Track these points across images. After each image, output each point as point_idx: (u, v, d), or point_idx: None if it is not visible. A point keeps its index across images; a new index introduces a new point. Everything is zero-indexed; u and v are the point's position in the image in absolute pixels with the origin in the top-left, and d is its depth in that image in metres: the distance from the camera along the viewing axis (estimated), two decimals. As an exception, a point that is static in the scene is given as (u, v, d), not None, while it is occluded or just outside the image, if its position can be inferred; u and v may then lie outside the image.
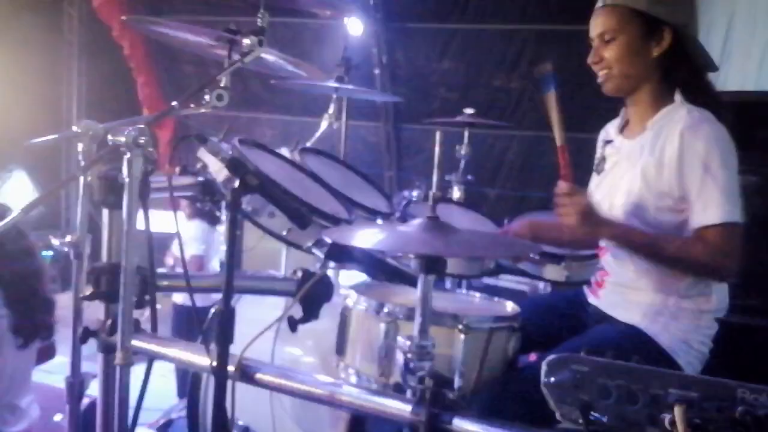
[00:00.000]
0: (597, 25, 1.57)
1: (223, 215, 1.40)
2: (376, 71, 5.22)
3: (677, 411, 0.82)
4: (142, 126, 1.04)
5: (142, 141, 1.05)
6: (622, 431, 0.88)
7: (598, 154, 1.74)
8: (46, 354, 2.39)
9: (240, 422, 2.00)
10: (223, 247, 3.56)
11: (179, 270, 3.81)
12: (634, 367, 0.89)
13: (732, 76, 3.28)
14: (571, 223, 1.44)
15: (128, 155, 1.06)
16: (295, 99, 5.25)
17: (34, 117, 5.05)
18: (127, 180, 1.09)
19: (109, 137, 1.07)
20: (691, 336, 1.53)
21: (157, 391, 3.79)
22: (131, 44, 5.85)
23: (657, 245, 1.48)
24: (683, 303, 1.53)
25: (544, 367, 0.92)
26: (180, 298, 3.80)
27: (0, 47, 5.20)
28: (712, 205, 1.43)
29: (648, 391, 0.87)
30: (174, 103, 1.25)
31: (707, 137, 1.45)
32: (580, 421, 0.90)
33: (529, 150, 5.08)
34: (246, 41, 1.32)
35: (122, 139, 1.05)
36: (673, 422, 0.83)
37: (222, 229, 4.10)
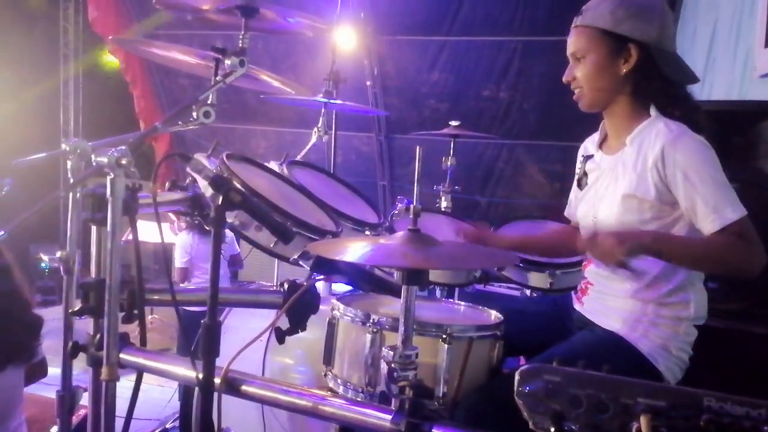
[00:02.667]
0: (570, 45, 1.63)
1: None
2: (368, 83, 5.28)
3: (642, 420, 0.84)
4: (123, 147, 1.07)
5: (124, 162, 1.08)
6: (594, 439, 0.90)
7: (578, 170, 1.77)
8: (38, 373, 2.33)
9: (232, 431, 2.02)
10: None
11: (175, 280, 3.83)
12: (604, 377, 0.91)
13: (717, 85, 3.32)
14: (620, 255, 1.37)
15: (111, 175, 1.09)
16: (290, 111, 5.30)
17: (31, 130, 5.08)
18: (110, 199, 1.11)
19: (93, 157, 1.10)
20: (670, 343, 1.55)
21: (155, 400, 3.82)
22: (127, 58, 5.90)
23: (693, 244, 1.49)
24: (662, 310, 1.56)
25: (516, 377, 0.94)
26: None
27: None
28: (719, 207, 1.44)
29: (618, 401, 0.89)
30: (157, 123, 1.28)
31: (689, 149, 1.47)
32: (552, 430, 0.92)
33: (519, 158, 5.13)
34: (228, 62, 1.35)
35: (105, 159, 1.08)
36: (640, 430, 0.85)
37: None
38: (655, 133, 1.52)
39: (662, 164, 1.49)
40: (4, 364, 2.08)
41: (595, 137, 1.76)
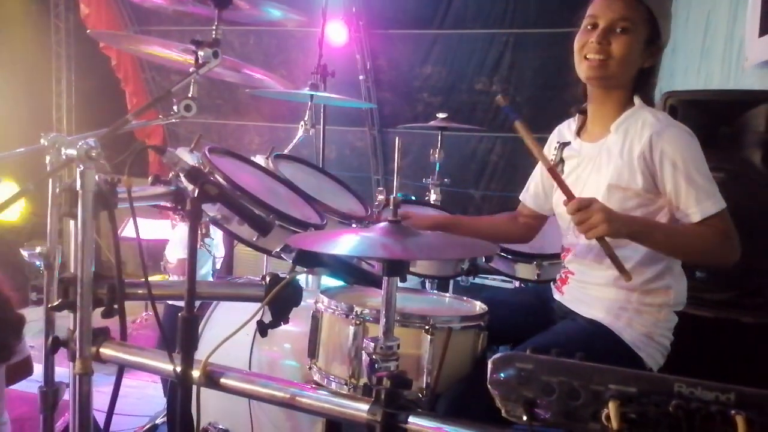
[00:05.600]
0: (614, 9, 1.49)
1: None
2: (361, 77, 5.27)
3: (611, 406, 0.84)
4: (93, 140, 1.06)
5: (93, 154, 1.08)
6: (566, 427, 0.90)
7: (553, 156, 1.73)
8: (22, 372, 2.31)
9: (220, 425, 2.02)
10: (218, 253, 3.57)
11: (172, 275, 3.83)
12: (576, 364, 0.91)
13: (712, 75, 3.31)
14: (602, 232, 1.35)
15: (81, 168, 1.08)
16: (282, 107, 5.30)
17: (24, 129, 5.07)
18: (80, 192, 1.11)
19: (62, 150, 1.09)
20: (653, 330, 1.55)
21: (149, 396, 3.82)
22: (118, 55, 5.89)
23: (676, 233, 1.49)
24: (646, 298, 1.56)
25: (490, 366, 0.94)
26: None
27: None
28: (701, 199, 1.45)
29: (589, 388, 0.89)
30: (128, 116, 1.27)
31: (676, 139, 1.48)
32: (525, 418, 0.92)
33: (512, 151, 5.13)
34: (201, 53, 1.34)
35: (74, 152, 1.07)
36: (608, 417, 0.85)
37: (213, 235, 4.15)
38: (642, 122, 1.52)
39: (649, 154, 1.49)
40: None
41: (571, 124, 1.74)
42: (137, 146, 1.06)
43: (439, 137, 2.86)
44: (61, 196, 1.22)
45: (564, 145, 1.72)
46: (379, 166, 5.75)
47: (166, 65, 5.77)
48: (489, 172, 5.28)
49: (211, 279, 3.76)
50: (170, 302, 3.85)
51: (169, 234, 4.29)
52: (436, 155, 2.79)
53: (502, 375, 0.94)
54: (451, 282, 2.61)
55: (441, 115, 2.80)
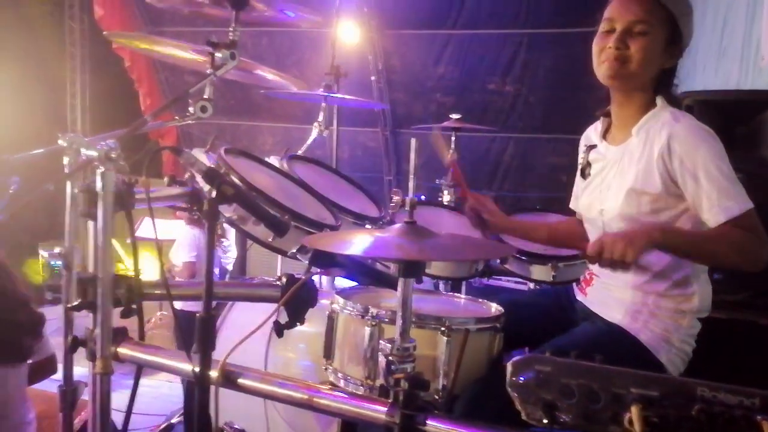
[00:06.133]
0: (631, 11, 1.48)
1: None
2: (372, 78, 5.28)
3: (634, 410, 0.84)
4: (113, 141, 1.07)
5: (113, 155, 1.08)
6: (586, 430, 0.90)
7: (581, 159, 1.74)
8: (46, 370, 2.33)
9: (236, 425, 2.03)
10: (231, 254, 3.59)
11: (178, 278, 3.84)
12: (595, 367, 0.90)
13: (729, 74, 3.27)
14: (634, 255, 1.33)
15: (101, 169, 1.09)
16: (295, 107, 5.31)
17: (38, 129, 5.12)
18: (100, 193, 1.12)
19: (82, 151, 1.10)
20: (672, 335, 1.53)
21: (164, 396, 3.84)
22: (132, 56, 5.94)
23: (701, 238, 1.46)
24: (662, 302, 1.54)
25: (509, 368, 0.94)
26: (179, 304, 3.85)
27: (4, 61, 5.28)
28: (724, 200, 1.41)
29: (610, 391, 0.88)
30: (146, 117, 1.28)
31: (696, 139, 1.45)
32: (545, 421, 0.91)
33: (525, 152, 5.11)
34: (218, 55, 1.34)
35: (94, 153, 1.08)
36: (631, 421, 0.84)
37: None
38: (661, 123, 1.50)
39: (668, 155, 1.46)
40: None
41: (598, 126, 1.73)
42: (154, 147, 1.06)
43: (453, 138, 2.85)
44: (80, 196, 1.23)
45: (591, 148, 1.71)
46: (392, 166, 5.75)
47: (180, 66, 5.83)
48: (502, 172, 5.26)
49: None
50: (178, 306, 3.86)
51: (174, 234, 4.26)
52: (450, 156, 2.78)
53: (521, 377, 0.93)
54: (464, 284, 2.60)
55: (454, 116, 2.79)
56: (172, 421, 2.80)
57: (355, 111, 4.65)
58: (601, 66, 1.53)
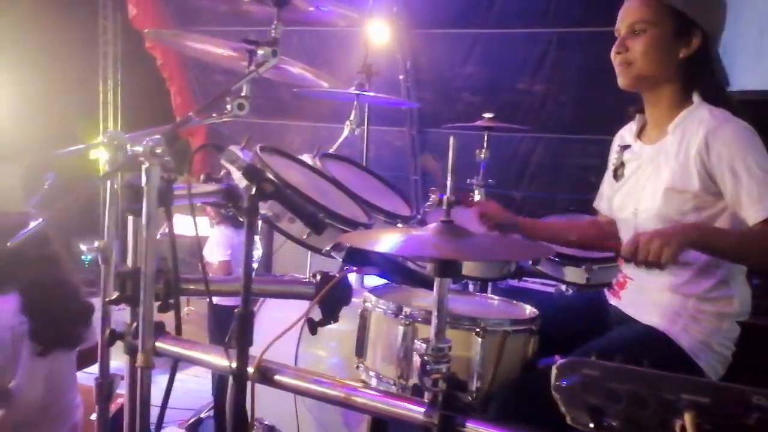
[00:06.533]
0: (629, 14, 1.52)
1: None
2: (401, 77, 5.26)
3: (687, 417, 0.81)
4: (157, 136, 1.08)
5: (158, 151, 1.10)
6: (633, 435, 0.88)
7: (614, 160, 1.72)
8: (94, 357, 2.40)
9: (266, 421, 2.04)
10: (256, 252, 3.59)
11: (212, 274, 3.87)
12: (644, 372, 0.88)
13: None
14: (670, 254, 1.31)
15: (146, 165, 1.11)
16: (323, 106, 5.32)
17: (71, 127, 5.22)
18: (145, 188, 1.13)
19: (128, 147, 1.11)
20: (712, 339, 1.50)
21: (192, 391, 3.89)
22: (163, 55, 6.02)
23: (740, 238, 1.43)
24: (703, 305, 1.51)
25: (554, 371, 0.92)
26: (215, 299, 3.88)
27: (37, 59, 5.40)
28: (764, 198, 1.37)
29: (659, 396, 0.86)
30: (191, 113, 1.29)
31: (734, 136, 1.42)
32: (591, 425, 0.89)
33: (555, 152, 5.05)
34: (260, 52, 1.35)
35: (140, 149, 1.09)
36: (683, 428, 0.82)
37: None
38: (699, 121, 1.47)
39: (706, 153, 1.43)
40: (49, 349, 2.19)
41: (632, 126, 1.70)
42: (199, 146, 1.06)
43: (486, 137, 2.82)
44: (122, 191, 1.24)
45: (624, 148, 1.68)
46: (418, 166, 5.73)
47: (210, 65, 5.88)
48: (530, 173, 5.20)
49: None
50: (215, 301, 3.90)
51: (209, 232, 4.30)
52: (482, 155, 2.76)
53: (566, 381, 0.91)
54: (490, 284, 2.57)
55: (487, 115, 2.77)
56: (201, 415, 2.83)
57: (382, 110, 4.64)
58: (617, 75, 1.56)
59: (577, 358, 0.91)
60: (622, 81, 1.55)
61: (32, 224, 1.06)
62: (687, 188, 1.47)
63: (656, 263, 1.32)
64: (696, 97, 1.52)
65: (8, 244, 0.98)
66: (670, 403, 0.85)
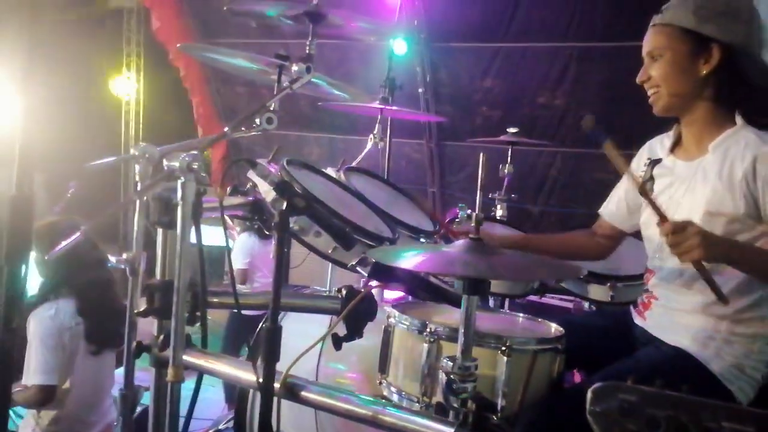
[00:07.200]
0: (647, 43, 1.57)
1: (272, 234, 1.45)
2: (420, 90, 5.28)
3: (730, 445, 0.79)
4: (195, 152, 1.09)
5: (195, 166, 1.11)
6: (672, 463, 0.85)
7: (642, 173, 1.68)
8: (121, 360, 2.52)
9: (285, 435, 2.03)
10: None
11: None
12: (684, 398, 0.86)
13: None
14: (697, 256, 1.32)
15: (182, 179, 1.12)
16: (342, 118, 5.36)
17: (94, 136, 5.31)
18: (180, 203, 1.14)
19: (165, 162, 1.13)
20: (744, 361, 1.47)
21: (207, 400, 3.90)
22: (186, 67, 6.11)
23: None
24: (737, 328, 1.48)
25: (589, 395, 0.90)
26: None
27: (62, 70, 5.48)
28: None
29: (700, 424, 0.84)
30: (226, 128, 1.30)
31: None
32: (628, 451, 0.87)
33: (573, 167, 5.02)
34: (294, 68, 1.36)
35: (176, 164, 1.11)
36: (725, 456, 0.80)
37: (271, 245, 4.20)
38: (745, 144, 1.45)
39: (752, 176, 1.42)
40: (101, 348, 2.32)
41: (664, 140, 1.68)
42: (234, 159, 1.07)
43: (509, 152, 2.82)
44: (153, 204, 1.25)
45: (655, 162, 1.66)
46: (435, 179, 5.73)
47: (233, 77, 5.94)
48: (548, 187, 5.17)
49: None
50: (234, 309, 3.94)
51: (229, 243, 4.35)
52: (506, 170, 2.75)
53: (602, 406, 0.90)
54: (507, 300, 2.55)
55: (512, 130, 2.76)
56: (220, 427, 2.83)
57: (401, 122, 4.66)
58: (651, 104, 1.59)
59: (613, 382, 0.90)
60: (655, 109, 1.58)
61: (78, 230, 1.08)
62: (727, 210, 1.45)
63: (687, 255, 1.33)
64: (739, 119, 1.50)
65: (49, 253, 1.00)
66: (711, 431, 0.83)
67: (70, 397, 2.33)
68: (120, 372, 2.51)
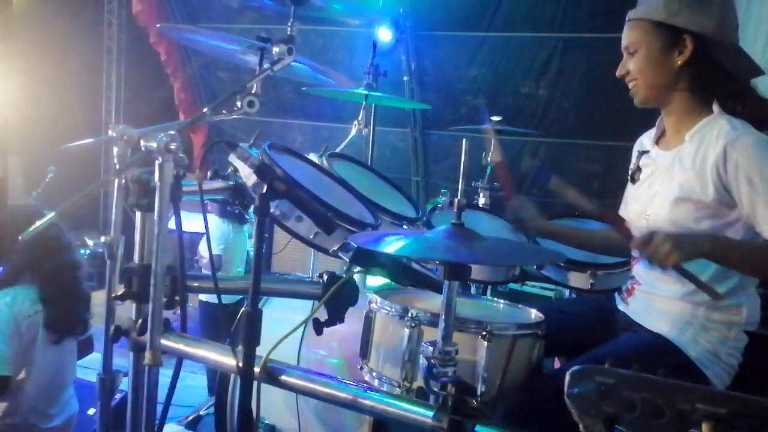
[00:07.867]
0: (623, 39, 1.61)
1: (252, 219, 1.43)
2: (405, 78, 5.25)
3: (705, 427, 0.80)
4: (173, 132, 1.07)
5: (173, 147, 1.09)
6: (647, 445, 0.87)
7: (633, 165, 1.74)
8: (85, 348, 2.44)
9: (266, 421, 2.03)
10: (249, 249, 3.60)
11: (203, 269, 3.85)
12: (660, 381, 0.87)
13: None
14: (675, 260, 1.37)
15: (159, 160, 1.10)
16: (326, 105, 5.31)
17: (74, 120, 5.20)
18: (158, 184, 1.12)
19: (142, 142, 1.10)
20: (719, 348, 1.50)
21: (188, 388, 3.88)
22: (167, 50, 6.01)
23: (753, 250, 1.46)
24: (713, 314, 1.51)
25: (567, 378, 0.91)
26: (205, 296, 3.86)
27: (41, 53, 5.37)
28: None
29: (675, 406, 0.85)
30: (205, 109, 1.28)
31: (753, 147, 1.42)
32: (604, 433, 0.88)
33: (557, 156, 5.04)
34: (276, 49, 1.34)
35: (154, 144, 1.09)
36: (700, 438, 0.81)
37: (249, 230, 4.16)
38: (717, 131, 1.47)
39: (723, 165, 1.44)
40: (62, 337, 2.23)
41: (652, 132, 1.72)
42: (213, 141, 1.05)
43: (493, 141, 2.81)
44: (132, 187, 1.23)
45: (642, 153, 1.70)
46: (419, 167, 5.72)
47: (214, 61, 5.85)
48: (531, 176, 5.19)
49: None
50: (204, 299, 3.89)
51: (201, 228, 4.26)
52: (489, 158, 2.75)
53: (580, 388, 0.90)
54: (489, 288, 2.56)
55: (495, 118, 2.76)
56: (201, 413, 2.81)
57: (384, 111, 4.64)
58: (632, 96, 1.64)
59: (591, 365, 0.90)
60: (635, 101, 1.62)
61: (46, 216, 1.05)
62: (700, 197, 1.47)
63: (663, 263, 1.36)
64: (716, 107, 1.52)
65: (20, 237, 0.97)
66: (686, 413, 0.84)
67: (26, 388, 2.21)
68: (83, 362, 2.46)
